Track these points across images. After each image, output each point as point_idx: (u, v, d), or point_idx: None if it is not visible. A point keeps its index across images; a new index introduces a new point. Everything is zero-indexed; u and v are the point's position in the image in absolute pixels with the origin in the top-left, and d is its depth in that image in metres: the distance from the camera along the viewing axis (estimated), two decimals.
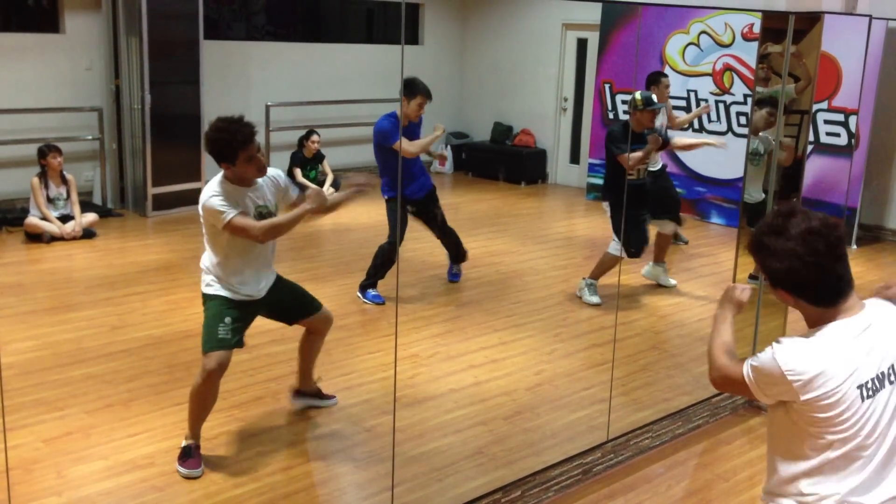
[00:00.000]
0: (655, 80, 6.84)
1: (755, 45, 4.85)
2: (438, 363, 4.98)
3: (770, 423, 2.23)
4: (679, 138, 6.72)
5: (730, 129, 8.77)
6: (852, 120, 7.66)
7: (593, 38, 10.02)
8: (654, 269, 6.59)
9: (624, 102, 9.24)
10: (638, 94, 5.84)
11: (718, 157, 7.75)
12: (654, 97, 5.96)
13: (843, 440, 2.06)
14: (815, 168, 7.45)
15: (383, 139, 5.64)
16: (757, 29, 6.39)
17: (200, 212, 3.66)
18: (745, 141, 5.88)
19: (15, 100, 7.84)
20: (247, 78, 9.54)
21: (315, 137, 9.16)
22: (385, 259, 5.87)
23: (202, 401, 3.70)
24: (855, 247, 8.04)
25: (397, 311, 5.75)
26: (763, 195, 4.75)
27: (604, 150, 6.02)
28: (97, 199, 8.46)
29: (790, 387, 2.04)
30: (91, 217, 7.58)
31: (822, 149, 7.77)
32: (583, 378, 4.85)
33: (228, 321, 3.69)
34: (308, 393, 4.30)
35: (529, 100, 10.93)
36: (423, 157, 6.57)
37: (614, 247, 5.93)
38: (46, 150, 7.43)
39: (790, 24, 4.31)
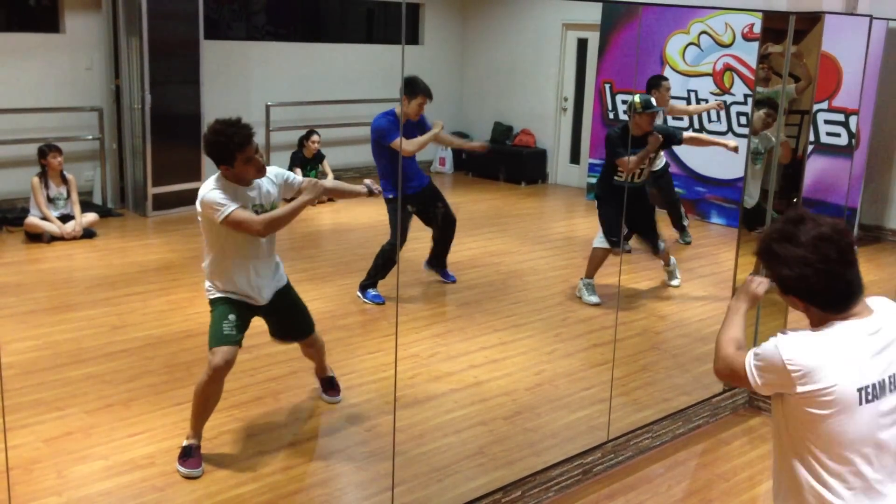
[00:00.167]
0: (656, 84, 6.83)
1: (755, 45, 4.84)
2: (438, 363, 4.98)
3: (774, 425, 2.21)
4: (692, 133, 6.70)
5: (730, 129, 8.76)
6: (853, 120, 7.65)
7: (593, 38, 10.01)
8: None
9: (624, 102, 9.23)
10: (637, 98, 5.84)
11: (719, 156, 7.73)
12: (653, 100, 5.97)
13: (837, 443, 2.01)
14: (815, 168, 7.43)
15: (381, 137, 5.63)
16: (757, 29, 6.39)
17: (198, 208, 3.64)
18: (745, 140, 5.88)
19: (15, 100, 7.83)
20: (247, 78, 9.53)
21: (315, 137, 9.16)
22: (386, 260, 5.86)
23: (206, 399, 3.70)
24: (855, 247, 8.03)
25: (397, 311, 5.74)
26: (756, 200, 4.76)
27: (604, 151, 6.03)
28: (97, 199, 8.46)
29: (788, 377, 2.01)
30: (91, 217, 7.58)
31: (823, 149, 7.76)
32: (583, 378, 4.85)
33: (232, 318, 3.71)
34: (321, 379, 4.43)
35: (530, 100, 10.92)
36: (424, 158, 6.56)
37: (598, 240, 5.96)
38: (47, 150, 7.43)
39: (791, 24, 4.31)
